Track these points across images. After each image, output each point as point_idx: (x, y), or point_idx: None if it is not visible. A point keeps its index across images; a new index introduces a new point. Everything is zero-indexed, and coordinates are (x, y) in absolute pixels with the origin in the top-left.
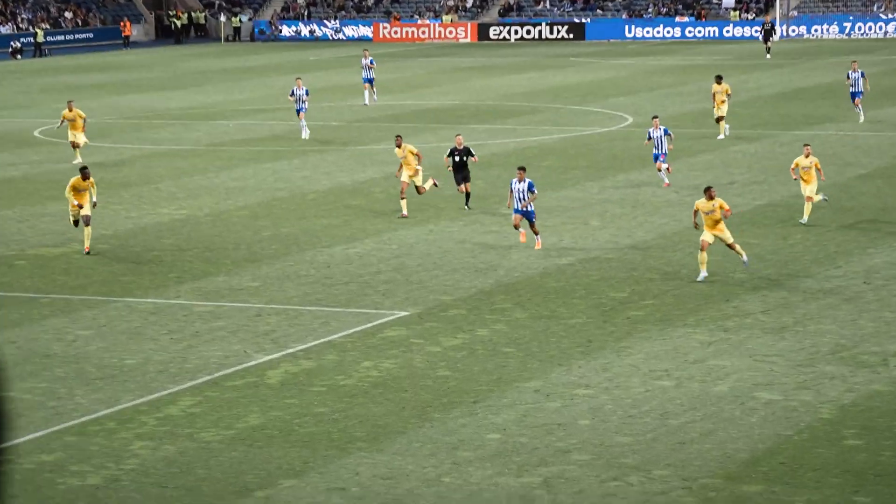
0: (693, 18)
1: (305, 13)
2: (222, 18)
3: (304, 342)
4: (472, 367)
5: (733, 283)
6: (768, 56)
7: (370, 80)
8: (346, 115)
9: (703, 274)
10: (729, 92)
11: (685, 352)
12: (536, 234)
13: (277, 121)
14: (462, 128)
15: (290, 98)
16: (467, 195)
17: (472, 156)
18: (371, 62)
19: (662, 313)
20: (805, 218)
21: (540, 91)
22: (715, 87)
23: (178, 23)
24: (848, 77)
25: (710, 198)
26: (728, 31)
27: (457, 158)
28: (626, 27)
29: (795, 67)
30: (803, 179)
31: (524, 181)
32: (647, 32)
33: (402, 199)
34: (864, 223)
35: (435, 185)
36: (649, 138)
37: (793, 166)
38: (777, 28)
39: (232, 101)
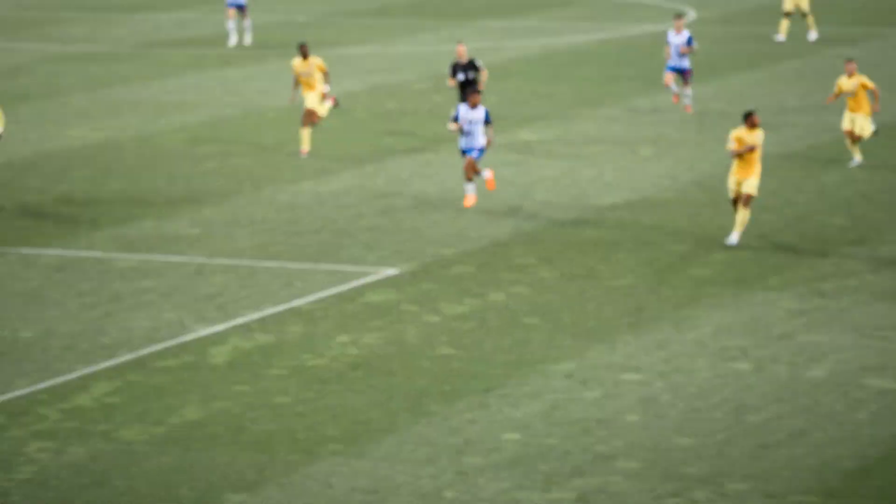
0: None
1: None
2: None
3: (260, 309)
4: (482, 344)
5: (831, 231)
6: None
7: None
8: (318, 7)
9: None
10: None
11: (768, 324)
12: (478, 172)
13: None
14: (471, 25)
15: None
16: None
17: (480, 69)
18: None
19: (737, 272)
20: (856, 159)
21: None
22: None
23: None
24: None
25: (753, 126)
26: None
27: (461, 76)
28: None
29: None
30: (849, 108)
31: (478, 108)
32: None
33: (305, 128)
34: None
35: (335, 104)
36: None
37: (836, 91)
38: None
39: None
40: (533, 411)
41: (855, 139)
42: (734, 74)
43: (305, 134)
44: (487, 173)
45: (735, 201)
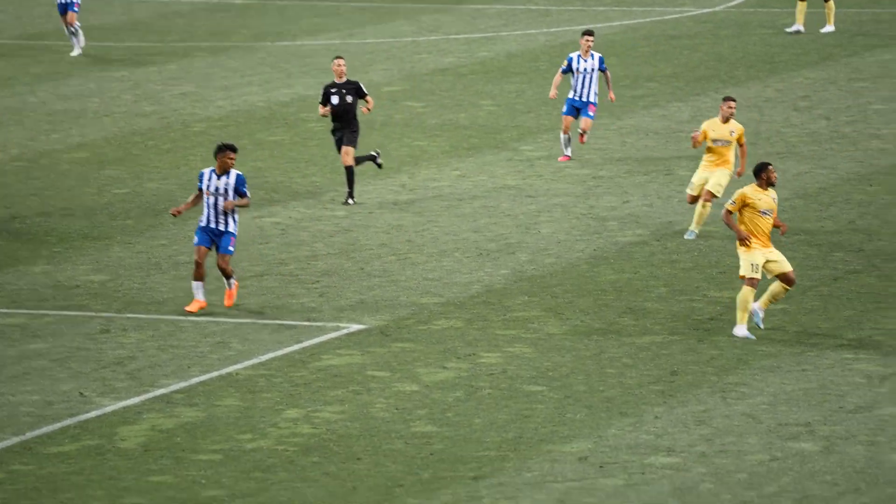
0: None
1: None
2: None
3: (185, 377)
4: (471, 419)
5: None
6: None
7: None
8: None
9: (743, 330)
10: None
11: (840, 393)
12: (229, 277)
13: None
14: (458, 10)
15: None
16: (349, 175)
17: (364, 95)
18: None
19: (798, 326)
20: (692, 231)
21: None
22: None
23: None
24: None
25: (768, 184)
26: None
27: (335, 101)
28: None
29: None
30: (708, 161)
31: (229, 175)
32: None
33: None
34: None
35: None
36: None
37: (698, 135)
38: None
39: None
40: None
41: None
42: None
43: None
44: (232, 283)
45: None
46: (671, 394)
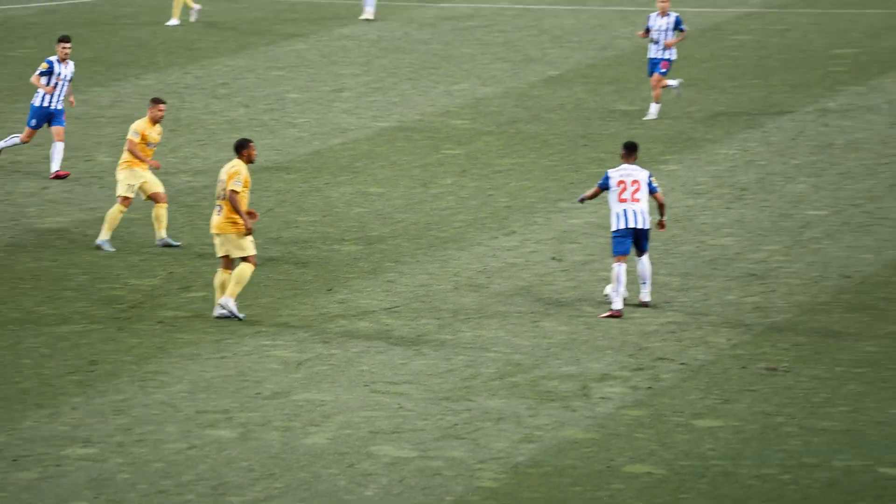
0: None
1: None
2: None
3: None
4: None
5: (340, 259)
6: None
7: None
8: None
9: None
10: None
11: (257, 380)
12: None
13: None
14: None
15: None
16: None
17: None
18: None
19: (207, 308)
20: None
21: None
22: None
23: None
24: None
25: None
26: None
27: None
28: None
29: None
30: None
31: None
32: None
33: None
34: (553, 157)
35: None
36: (647, 31)
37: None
38: None
39: None
40: None
41: None
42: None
43: None
44: None
45: None
46: (90, 384)
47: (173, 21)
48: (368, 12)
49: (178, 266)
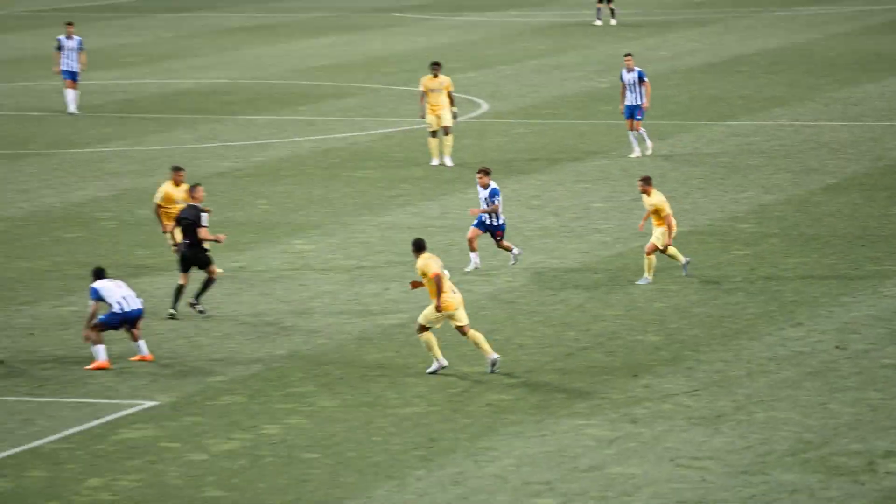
0: None
1: None
2: None
3: None
4: (256, 484)
5: (644, 348)
6: (612, 21)
7: (74, 76)
8: (52, 103)
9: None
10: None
11: (574, 454)
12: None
13: None
14: (233, 120)
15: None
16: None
17: (200, 225)
18: (80, 45)
19: (539, 397)
20: (645, 277)
21: (349, 64)
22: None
23: None
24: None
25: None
26: None
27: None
28: None
29: (727, 25)
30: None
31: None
32: None
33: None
34: (833, 256)
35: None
36: (622, 82)
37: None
38: None
39: None
40: None
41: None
42: (535, 174)
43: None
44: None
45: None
46: (430, 458)
47: (434, 161)
48: (643, 149)
49: (504, 355)
